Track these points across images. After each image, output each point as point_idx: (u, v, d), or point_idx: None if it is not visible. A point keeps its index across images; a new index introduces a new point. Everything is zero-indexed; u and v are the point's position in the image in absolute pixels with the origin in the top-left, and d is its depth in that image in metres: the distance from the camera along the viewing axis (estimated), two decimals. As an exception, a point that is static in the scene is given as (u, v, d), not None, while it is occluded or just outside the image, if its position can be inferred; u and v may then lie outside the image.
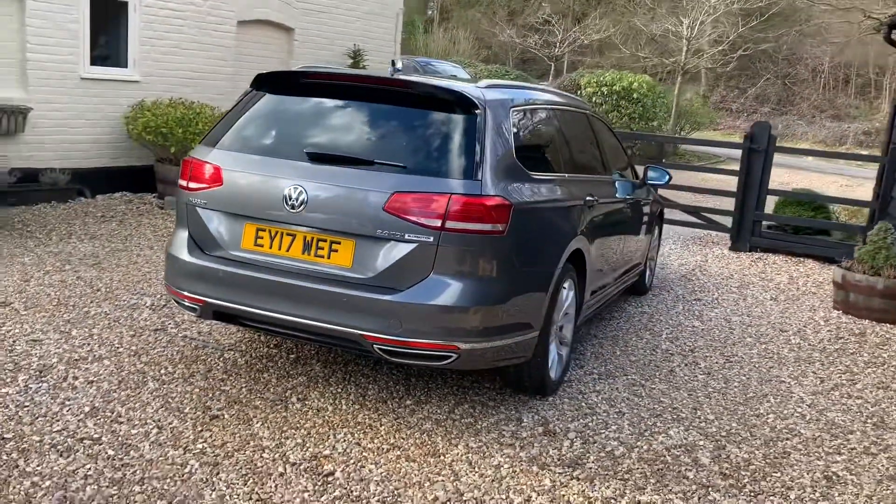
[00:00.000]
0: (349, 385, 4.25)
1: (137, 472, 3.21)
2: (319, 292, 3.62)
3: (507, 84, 4.46)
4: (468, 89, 3.85)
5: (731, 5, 27.32)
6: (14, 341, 4.47)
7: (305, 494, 3.16)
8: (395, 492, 3.23)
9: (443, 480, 3.35)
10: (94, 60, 8.68)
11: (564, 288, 4.30)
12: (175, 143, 8.37)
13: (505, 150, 3.83)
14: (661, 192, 9.14)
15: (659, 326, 6.01)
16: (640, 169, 6.49)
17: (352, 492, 3.20)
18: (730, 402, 4.57)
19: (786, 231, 9.47)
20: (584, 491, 3.37)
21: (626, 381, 4.73)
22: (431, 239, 3.51)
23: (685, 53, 26.80)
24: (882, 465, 3.91)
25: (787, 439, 4.11)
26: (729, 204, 9.61)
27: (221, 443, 3.51)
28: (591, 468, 3.58)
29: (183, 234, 4.04)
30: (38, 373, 4.08)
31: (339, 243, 3.66)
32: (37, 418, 3.58)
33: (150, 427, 3.60)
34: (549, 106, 4.73)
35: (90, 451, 3.34)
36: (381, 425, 3.81)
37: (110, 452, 3.34)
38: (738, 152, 9.44)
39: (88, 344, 4.53)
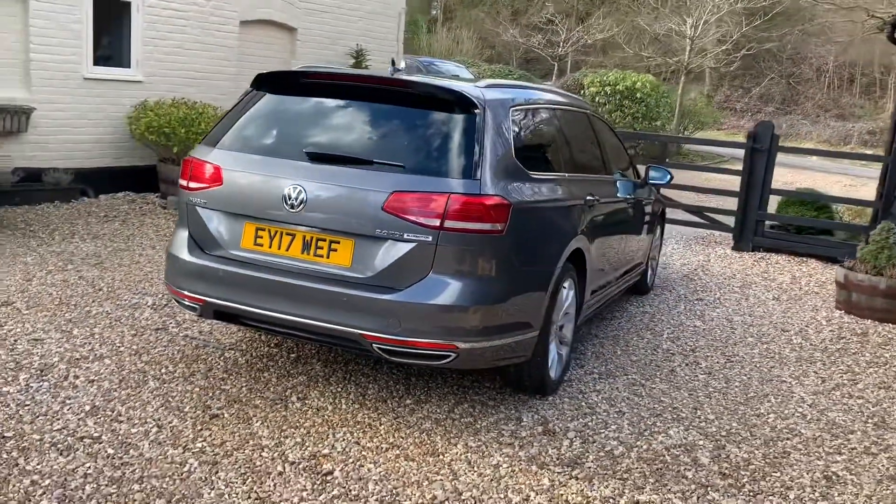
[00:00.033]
0: (349, 384, 4.25)
1: (137, 470, 3.22)
2: (319, 292, 3.62)
3: (507, 84, 4.46)
4: (468, 89, 3.85)
5: (735, 4, 27.27)
6: (15, 340, 4.48)
7: (304, 493, 3.16)
8: (394, 491, 3.24)
9: (441, 479, 3.35)
10: (97, 60, 8.70)
11: (564, 287, 4.30)
12: (178, 143, 8.38)
13: (504, 150, 3.83)
14: (663, 191, 9.16)
15: (660, 326, 6.00)
16: (641, 169, 6.49)
17: (350, 491, 3.21)
18: (730, 401, 4.57)
19: (789, 231, 9.45)
20: (582, 490, 3.37)
21: (627, 381, 4.73)
22: (430, 238, 3.52)
23: (688, 53, 26.76)
24: (882, 465, 3.90)
25: (788, 439, 4.11)
26: (732, 204, 9.59)
27: (221, 442, 3.52)
28: (590, 467, 3.58)
29: (183, 234, 4.05)
30: (39, 372, 4.09)
31: (339, 243, 3.67)
32: (37, 417, 3.60)
33: (150, 426, 3.61)
34: (550, 105, 4.73)
35: (90, 449, 3.35)
36: (380, 424, 3.81)
37: (110, 451, 3.35)
38: (741, 152, 9.42)
39: (90, 343, 4.55)
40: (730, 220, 9.56)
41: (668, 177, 6.23)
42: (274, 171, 3.77)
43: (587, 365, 4.95)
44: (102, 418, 3.64)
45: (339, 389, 4.18)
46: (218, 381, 4.17)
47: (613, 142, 5.94)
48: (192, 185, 3.99)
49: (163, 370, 4.25)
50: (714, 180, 13.65)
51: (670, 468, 3.65)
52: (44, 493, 3.01)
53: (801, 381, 5.04)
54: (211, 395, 3.99)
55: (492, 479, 3.39)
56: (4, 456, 3.24)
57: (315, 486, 3.22)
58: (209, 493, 3.11)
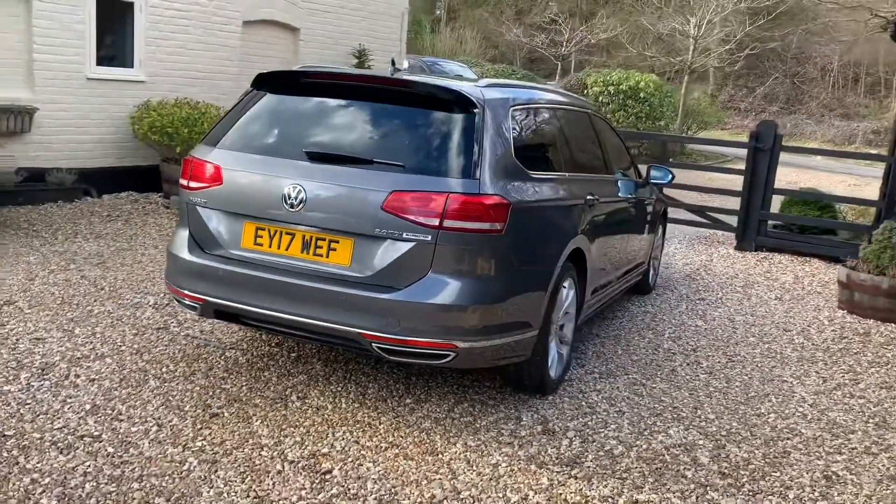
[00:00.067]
0: (349, 384, 4.26)
1: (136, 469, 3.23)
2: (318, 291, 3.63)
3: (507, 83, 4.46)
4: (467, 88, 3.86)
5: (739, 4, 27.21)
6: (17, 339, 4.50)
7: (303, 492, 3.17)
8: (392, 490, 3.24)
9: (440, 479, 3.36)
10: (100, 61, 8.72)
11: (564, 287, 4.30)
12: (180, 142, 8.40)
13: (504, 150, 3.84)
14: (666, 191, 9.15)
15: (662, 326, 6.00)
16: (643, 168, 6.48)
17: (349, 489, 3.21)
18: (731, 401, 4.56)
19: (791, 230, 9.43)
20: (581, 490, 3.37)
21: (627, 381, 4.73)
22: (429, 238, 3.52)
23: (692, 52, 26.72)
24: (883, 465, 3.89)
25: (788, 439, 4.10)
26: (735, 203, 9.58)
27: (221, 441, 3.52)
28: (589, 467, 3.58)
29: (184, 234, 4.07)
30: (40, 371, 4.11)
31: (338, 242, 3.67)
32: (38, 416, 3.61)
33: (150, 425, 3.62)
34: (550, 105, 4.73)
35: (90, 448, 3.36)
36: (380, 424, 3.82)
37: (110, 450, 3.36)
38: (745, 151, 9.40)
39: (91, 342, 4.56)
40: (733, 220, 9.54)
41: (670, 176, 6.22)
42: (274, 170, 3.78)
43: (588, 364, 4.95)
44: (103, 417, 3.65)
45: (340, 389, 4.19)
46: (218, 380, 4.18)
47: (615, 141, 5.93)
48: (193, 184, 4.00)
49: (164, 369, 4.26)
50: (718, 180, 13.62)
51: (670, 468, 3.65)
52: (43, 491, 3.02)
53: (803, 380, 5.03)
54: (211, 394, 4.00)
55: (490, 479, 3.40)
56: (5, 454, 3.25)
57: (314, 485, 3.22)
58: (208, 492, 3.12)
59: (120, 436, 3.49)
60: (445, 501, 3.20)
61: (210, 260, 3.91)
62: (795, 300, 7.16)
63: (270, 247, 3.80)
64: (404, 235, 3.54)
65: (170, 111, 8.57)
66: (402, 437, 3.71)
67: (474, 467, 3.48)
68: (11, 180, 7.88)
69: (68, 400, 3.79)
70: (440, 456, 3.56)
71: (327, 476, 3.30)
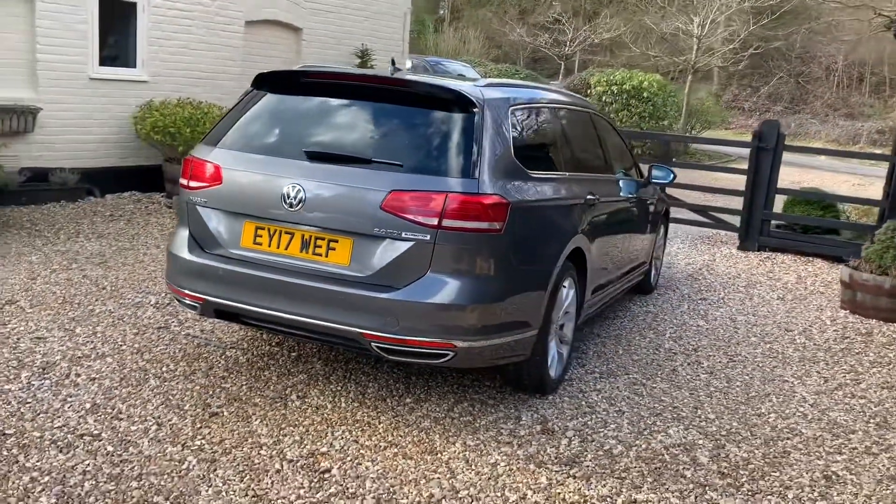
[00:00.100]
0: (349, 383, 4.27)
1: (135, 468, 3.24)
2: (317, 290, 3.64)
3: (507, 83, 4.46)
4: (466, 88, 3.86)
5: (742, 3, 27.16)
6: (18, 339, 4.52)
7: (301, 491, 3.17)
8: (391, 489, 3.24)
9: (439, 478, 3.36)
10: (103, 61, 8.74)
11: (564, 286, 4.30)
12: (183, 142, 8.41)
13: (503, 149, 3.84)
14: (669, 191, 9.13)
15: (663, 325, 5.99)
16: (645, 168, 6.47)
17: (347, 488, 3.22)
18: (731, 401, 4.55)
19: (794, 230, 9.41)
20: (580, 489, 3.37)
21: (628, 380, 4.72)
22: (428, 237, 3.52)
23: (695, 52, 26.68)
24: (883, 465, 3.88)
25: (788, 439, 4.09)
26: (738, 203, 9.56)
27: (220, 439, 3.53)
28: (588, 466, 3.58)
29: (184, 233, 4.07)
30: (41, 370, 4.12)
31: (337, 241, 3.68)
32: (38, 415, 3.62)
33: (150, 424, 3.63)
34: (550, 105, 4.73)
35: (90, 447, 3.37)
36: (379, 423, 3.82)
37: (109, 448, 3.37)
38: (748, 151, 9.38)
39: (92, 341, 4.57)
40: (735, 220, 9.53)
41: (672, 176, 6.21)
42: (273, 170, 3.79)
43: (588, 364, 4.94)
44: (103, 416, 3.66)
45: (339, 388, 4.19)
46: (219, 379, 4.19)
47: (616, 141, 5.93)
48: (193, 184, 4.01)
49: (164, 368, 4.27)
50: (722, 180, 13.60)
51: (669, 467, 3.65)
52: (43, 489, 3.03)
53: (804, 380, 5.02)
54: (211, 393, 4.01)
55: (489, 478, 3.40)
56: (5, 453, 3.27)
57: (312, 484, 3.23)
58: (207, 491, 3.12)
59: (119, 434, 3.50)
60: (444, 500, 3.20)
61: (210, 259, 3.92)
62: (798, 300, 7.14)
63: (270, 246, 3.80)
64: (403, 235, 3.54)
65: (172, 111, 8.59)
66: (401, 436, 3.71)
67: (473, 466, 3.48)
68: (15, 180, 7.90)
69: (68, 399, 3.80)
70: (439, 455, 3.56)
71: (326, 475, 3.31)
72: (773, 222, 9.38)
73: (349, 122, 3.95)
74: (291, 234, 3.76)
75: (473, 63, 24.17)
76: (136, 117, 8.83)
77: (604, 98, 18.89)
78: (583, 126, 5.22)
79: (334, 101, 4.03)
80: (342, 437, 3.64)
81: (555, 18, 32.90)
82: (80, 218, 7.75)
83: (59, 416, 3.62)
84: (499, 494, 3.27)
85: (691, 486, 3.50)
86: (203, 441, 3.50)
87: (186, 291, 3.98)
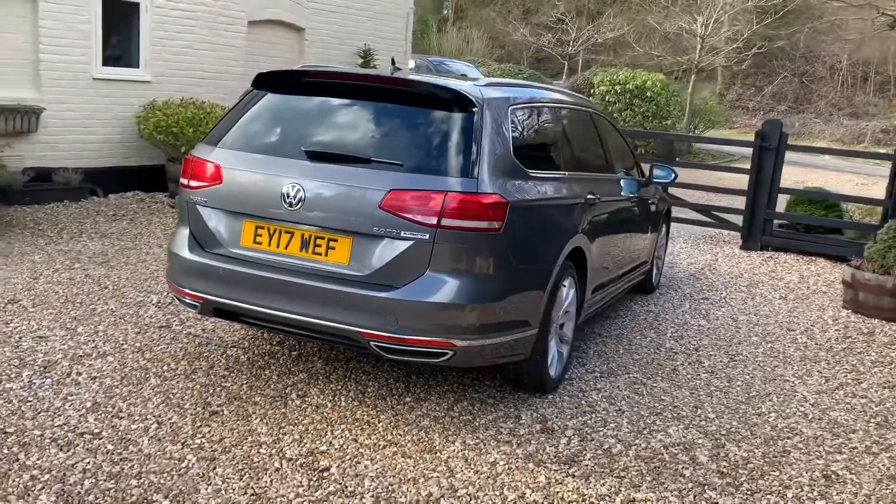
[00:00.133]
0: (349, 382, 4.27)
1: (135, 466, 3.25)
2: (317, 289, 3.64)
3: (507, 83, 4.46)
4: (466, 88, 3.86)
5: (746, 2, 27.11)
6: (20, 338, 4.53)
7: (300, 489, 3.18)
8: (390, 487, 3.25)
9: (437, 476, 3.36)
10: (106, 61, 8.77)
11: (564, 286, 4.30)
12: (186, 142, 8.43)
13: (503, 148, 3.84)
14: (671, 190, 9.12)
15: (664, 325, 5.99)
16: (646, 167, 6.47)
17: (346, 487, 3.23)
18: (732, 400, 4.55)
19: (797, 230, 9.40)
20: (578, 488, 3.37)
21: (628, 380, 4.72)
22: (427, 236, 3.53)
23: (699, 51, 26.64)
24: (883, 465, 3.88)
25: (788, 438, 4.09)
26: (741, 203, 9.55)
27: (220, 438, 3.54)
28: (587, 465, 3.58)
29: (184, 232, 4.09)
30: (42, 368, 4.13)
31: (337, 241, 3.68)
32: (39, 413, 3.64)
33: (150, 422, 3.64)
34: (551, 104, 4.73)
35: (90, 445, 3.38)
36: (379, 422, 3.83)
37: (109, 447, 3.38)
38: (752, 151, 9.37)
39: (93, 340, 4.59)
40: (739, 219, 9.52)
41: (673, 175, 6.20)
42: (273, 169, 3.80)
43: (589, 363, 4.95)
44: (103, 414, 3.68)
45: (340, 387, 4.20)
46: (219, 378, 4.20)
47: (617, 141, 5.93)
48: (193, 183, 4.02)
49: (165, 367, 4.28)
50: (726, 179, 13.59)
51: (668, 466, 3.65)
52: (43, 487, 3.05)
53: (805, 380, 5.02)
54: (212, 391, 4.02)
55: (488, 477, 3.40)
56: (5, 451, 3.28)
57: (311, 483, 3.24)
58: (206, 489, 3.13)
59: (120, 433, 3.51)
60: (442, 499, 3.20)
61: (210, 258, 3.93)
62: (800, 300, 7.13)
63: (270, 245, 3.81)
64: (402, 234, 3.55)
65: (175, 111, 8.61)
66: (400, 435, 3.72)
67: (472, 465, 3.49)
68: (19, 180, 7.92)
69: (69, 397, 3.82)
70: (438, 454, 3.56)
71: (325, 474, 3.32)
72: (775, 222, 9.36)
73: (349, 122, 3.96)
74: (291, 233, 3.77)
75: (477, 63, 24.16)
76: (139, 117, 8.85)
77: (607, 98, 18.87)
78: (583, 125, 5.22)
79: (334, 101, 4.04)
80: (342, 436, 3.65)
81: (558, 18, 32.87)
82: (84, 217, 7.78)
83: (60, 415, 3.63)
84: (497, 493, 3.28)
85: (690, 485, 3.50)
86: (203, 439, 3.52)
87: (186, 290, 4.00)
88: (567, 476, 3.46)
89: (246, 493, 3.13)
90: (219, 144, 4.05)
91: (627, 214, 5.62)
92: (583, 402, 4.31)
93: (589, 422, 4.06)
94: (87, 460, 3.26)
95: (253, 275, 3.77)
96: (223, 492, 3.12)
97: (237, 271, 3.82)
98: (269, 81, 4.18)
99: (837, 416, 4.46)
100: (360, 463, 3.42)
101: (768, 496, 3.46)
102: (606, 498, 3.32)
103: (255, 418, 3.76)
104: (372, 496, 3.17)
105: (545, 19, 34.04)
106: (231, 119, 4.15)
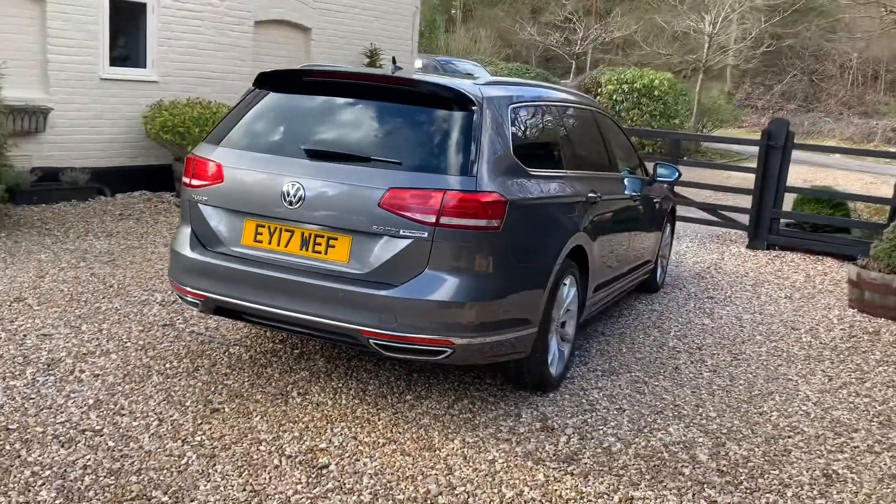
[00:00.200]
0: (350, 380, 4.29)
1: (135, 462, 3.28)
2: (316, 288, 3.66)
3: (507, 81, 4.47)
4: (466, 86, 3.87)
5: (755, 0, 26.99)
6: (25, 336, 4.57)
7: (298, 486, 3.20)
8: (388, 485, 3.26)
9: (436, 474, 3.37)
10: (113, 61, 8.82)
11: (565, 284, 4.30)
12: (192, 142, 8.46)
13: (502, 147, 3.84)
14: (678, 189, 9.09)
15: (668, 324, 5.98)
16: (650, 166, 6.46)
17: (345, 484, 3.24)
18: (733, 399, 4.54)
19: (804, 229, 9.36)
20: (577, 486, 3.37)
21: (630, 378, 4.72)
22: (426, 235, 3.54)
23: (707, 50, 26.54)
24: (885, 464, 3.86)
25: (789, 437, 4.08)
26: (749, 202, 9.51)
27: (220, 435, 3.56)
28: (586, 463, 3.58)
29: (186, 231, 4.11)
30: (46, 366, 4.17)
31: (336, 239, 3.70)
32: (41, 410, 3.67)
33: (152, 419, 3.66)
34: (552, 103, 4.73)
35: (91, 442, 3.41)
36: (378, 420, 3.84)
37: (110, 444, 3.41)
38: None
39: (97, 338, 4.62)
40: (745, 219, 9.48)
41: (676, 174, 6.19)
42: (273, 168, 3.81)
43: (591, 362, 4.94)
44: (105, 412, 3.70)
45: (341, 385, 4.22)
46: (221, 376, 4.22)
47: (621, 140, 5.92)
48: (195, 182, 4.04)
49: (167, 365, 4.31)
50: (734, 178, 13.56)
51: (668, 465, 3.65)
52: (43, 483, 3.07)
53: (808, 379, 5.00)
54: (213, 389, 4.04)
55: (486, 475, 3.41)
56: (7, 448, 3.31)
57: (310, 480, 3.25)
58: (205, 486, 3.15)
59: (121, 430, 3.54)
60: (440, 497, 3.21)
61: (211, 257, 3.95)
62: (805, 299, 7.10)
63: (270, 244, 3.83)
64: (401, 232, 3.56)
65: (181, 111, 8.65)
66: (400, 433, 3.73)
67: (471, 463, 3.49)
68: (26, 180, 7.98)
69: (72, 395, 3.85)
70: (437, 452, 3.57)
71: (324, 471, 3.33)
72: (782, 221, 9.33)
73: (349, 121, 3.97)
74: (291, 231, 3.79)
75: (484, 62, 24.16)
76: (145, 117, 8.90)
77: (614, 97, 18.82)
78: (586, 124, 5.22)
79: (335, 100, 4.06)
80: (341, 434, 3.66)
81: (566, 17, 32.82)
82: (90, 217, 7.83)
83: (62, 412, 3.66)
84: (495, 491, 3.28)
85: (689, 483, 3.50)
86: (203, 437, 3.54)
87: (188, 288, 4.02)
88: (566, 474, 3.46)
89: (245, 490, 3.14)
90: (220, 143, 4.07)
91: (630, 213, 5.61)
92: (583, 400, 4.31)
93: (589, 420, 4.06)
94: (87, 457, 3.29)
95: (253, 273, 3.79)
96: (222, 488, 3.14)
97: (238, 269, 3.84)
98: (270, 81, 4.20)
99: (840, 415, 4.44)
100: (359, 460, 3.44)
101: (767, 495, 3.46)
102: (605, 496, 3.32)
103: (256, 416, 3.78)
104: (370, 493, 3.19)
105: (553, 18, 33.99)
106: (233, 118, 4.17)
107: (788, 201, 9.53)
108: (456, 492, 3.25)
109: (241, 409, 3.85)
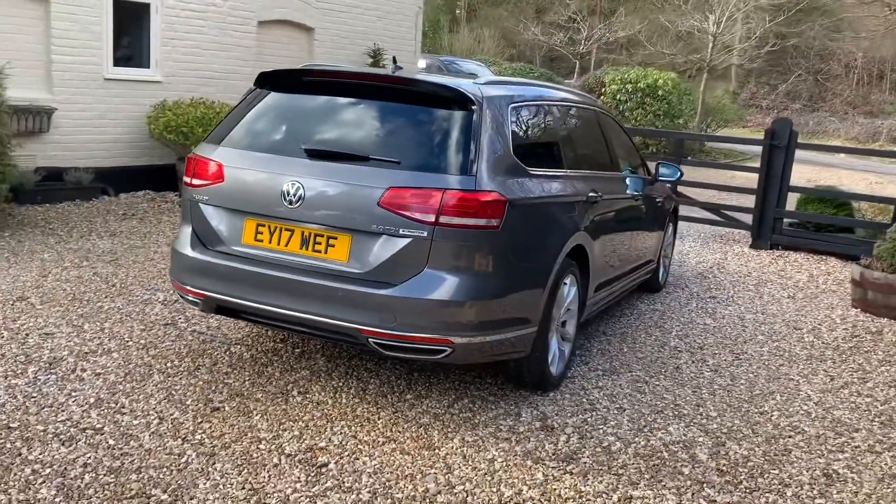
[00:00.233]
0: (351, 379, 4.30)
1: (135, 461, 3.29)
2: (316, 287, 3.67)
3: (508, 81, 4.47)
4: (465, 86, 3.87)
5: (759, 0, 26.94)
6: (27, 334, 4.59)
7: (297, 485, 3.21)
8: (387, 483, 3.27)
9: (435, 473, 3.38)
10: (117, 61, 8.86)
11: (566, 284, 4.30)
12: (195, 141, 8.47)
13: (502, 146, 3.85)
14: (681, 189, 9.08)
15: (669, 324, 5.97)
16: (652, 166, 6.45)
17: (343, 483, 3.25)
18: (734, 399, 4.53)
19: (808, 228, 9.33)
20: (575, 485, 3.38)
21: (630, 378, 4.72)
22: (425, 234, 3.54)
23: (711, 50, 26.49)
24: (885, 464, 3.85)
25: (790, 437, 4.07)
26: (752, 201, 9.49)
27: (220, 434, 3.57)
28: (585, 463, 3.58)
29: (187, 230, 4.12)
30: (48, 365, 4.18)
31: (336, 238, 3.71)
32: (43, 408, 3.69)
33: (152, 418, 3.68)
34: (553, 103, 4.73)
35: (91, 440, 3.42)
36: (378, 419, 3.85)
37: (111, 442, 3.42)
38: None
39: (99, 337, 4.64)
40: (749, 218, 9.46)
41: (678, 173, 6.19)
42: (273, 167, 3.82)
43: (592, 361, 4.94)
44: (106, 410, 3.72)
45: (341, 384, 4.23)
46: (222, 375, 4.23)
47: (622, 139, 5.92)
48: (196, 181, 4.06)
49: (168, 364, 4.32)
50: (739, 178, 13.54)
51: (667, 464, 3.64)
52: (43, 481, 3.09)
53: (810, 379, 4.99)
54: (214, 388, 4.05)
55: (485, 473, 3.41)
56: (8, 446, 3.33)
57: (309, 478, 3.26)
58: (204, 484, 3.16)
59: (121, 428, 3.55)
60: (439, 495, 3.22)
61: (212, 256, 3.96)
62: (808, 298, 7.09)
63: (270, 243, 3.84)
64: (401, 231, 3.56)
65: (185, 111, 8.67)
66: (399, 432, 3.73)
67: (470, 462, 3.50)
68: (31, 180, 8.01)
69: (73, 393, 3.87)
70: (437, 451, 3.58)
71: (323, 469, 3.34)
72: (785, 220, 9.31)
73: (349, 120, 3.98)
74: (291, 231, 3.79)
75: (488, 62, 24.15)
76: (149, 117, 8.92)
77: (618, 96, 18.80)
78: (587, 124, 5.22)
79: (335, 100, 4.07)
80: (341, 433, 3.67)
81: (570, 17, 32.80)
82: (94, 216, 7.85)
83: (64, 410, 3.68)
84: (494, 490, 3.29)
85: (689, 482, 3.49)
86: (203, 435, 3.55)
87: (189, 288, 4.03)
88: (565, 473, 3.47)
89: (244, 489, 3.15)
90: (221, 143, 4.09)
91: (632, 213, 5.61)
92: (584, 399, 4.31)
93: (589, 420, 4.06)
94: (88, 455, 3.30)
95: (254, 272, 3.80)
96: (221, 486, 3.15)
97: (238, 269, 3.85)
98: (270, 80, 4.21)
99: (841, 414, 4.43)
100: (358, 459, 3.44)
101: (767, 494, 3.45)
102: (604, 495, 3.32)
103: (256, 415, 3.79)
104: (369, 492, 3.19)
105: (557, 18, 33.97)
106: (233, 118, 4.19)
107: (792, 201, 9.51)
108: (455, 490, 3.25)
109: (242, 407, 3.86)
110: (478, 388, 4.32)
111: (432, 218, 3.52)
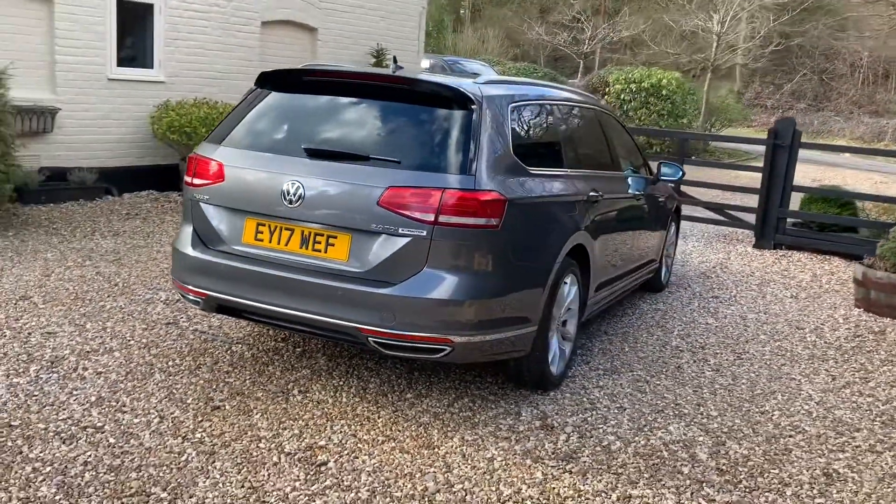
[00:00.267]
0: (351, 378, 4.30)
1: (136, 459, 3.30)
2: (316, 286, 3.67)
3: (508, 80, 4.47)
4: (465, 85, 3.88)
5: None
6: (30, 333, 4.61)
7: (297, 483, 3.21)
8: (386, 482, 3.27)
9: (434, 472, 3.38)
10: (121, 61, 8.88)
11: (566, 283, 4.30)
12: (198, 142, 8.47)
13: (502, 145, 3.85)
14: (684, 188, 9.07)
15: (671, 323, 5.97)
16: (654, 166, 6.45)
17: (343, 481, 3.25)
18: (735, 398, 4.53)
19: (811, 228, 9.31)
20: (575, 484, 3.38)
21: (631, 378, 4.71)
22: (425, 233, 3.54)
23: (715, 49, 26.44)
24: (886, 463, 3.84)
25: (791, 436, 4.07)
26: (756, 201, 9.47)
27: (220, 432, 3.58)
28: (585, 462, 3.58)
29: (188, 230, 4.14)
30: (49, 364, 4.20)
31: (336, 237, 3.71)
32: (44, 407, 3.70)
33: (153, 417, 3.69)
34: (554, 102, 4.73)
35: (92, 439, 3.44)
36: (378, 418, 3.85)
37: (111, 440, 3.44)
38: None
39: (101, 337, 4.65)
40: (752, 218, 9.45)
41: (680, 173, 6.19)
42: (273, 167, 3.83)
43: (593, 361, 4.94)
44: (107, 409, 3.73)
45: (341, 383, 4.23)
46: (223, 373, 4.24)
47: (624, 139, 5.91)
48: (196, 181, 4.07)
49: (170, 363, 4.34)
50: (743, 177, 13.51)
51: (667, 464, 3.64)
52: (44, 479, 3.10)
53: (811, 378, 4.98)
54: (215, 387, 4.06)
55: (485, 472, 3.41)
56: (9, 444, 3.34)
57: (308, 477, 3.27)
58: (204, 482, 3.17)
59: (122, 427, 3.56)
60: (438, 494, 3.22)
61: (212, 255, 3.98)
62: (811, 298, 7.07)
63: (271, 242, 3.85)
64: (400, 231, 3.57)
65: (188, 111, 8.70)
66: (399, 430, 3.74)
67: (469, 461, 3.50)
68: (35, 180, 8.04)
69: (74, 392, 3.88)
70: (436, 450, 3.58)
71: (322, 468, 3.35)
72: (789, 220, 9.29)
73: (349, 120, 3.99)
74: (291, 230, 3.80)
75: (492, 62, 24.16)
76: (153, 117, 8.95)
77: (622, 96, 18.79)
78: (588, 123, 5.22)
79: (335, 99, 4.07)
80: (341, 431, 3.68)
81: (574, 17, 32.78)
82: (97, 216, 7.88)
83: (65, 409, 3.69)
84: (493, 489, 3.29)
85: (688, 482, 3.49)
86: (203, 434, 3.56)
87: (190, 287, 4.05)
88: (564, 472, 3.47)
89: (243, 487, 3.16)
90: (222, 143, 4.10)
91: (633, 212, 5.60)
92: (584, 399, 4.31)
93: (589, 419, 4.06)
94: (88, 453, 3.31)
95: (254, 271, 3.81)
96: (221, 485, 3.16)
97: (239, 268, 3.86)
98: (271, 80, 4.22)
99: (842, 414, 4.43)
100: (357, 458, 3.45)
101: (767, 494, 3.45)
102: (603, 494, 3.32)
103: (256, 413, 3.80)
104: (368, 490, 3.20)
105: (561, 18, 33.95)
106: (234, 118, 4.20)
107: (795, 200, 9.49)
108: (454, 489, 3.26)
109: (242, 406, 3.87)
110: (478, 388, 4.32)
111: (432, 217, 3.53)
